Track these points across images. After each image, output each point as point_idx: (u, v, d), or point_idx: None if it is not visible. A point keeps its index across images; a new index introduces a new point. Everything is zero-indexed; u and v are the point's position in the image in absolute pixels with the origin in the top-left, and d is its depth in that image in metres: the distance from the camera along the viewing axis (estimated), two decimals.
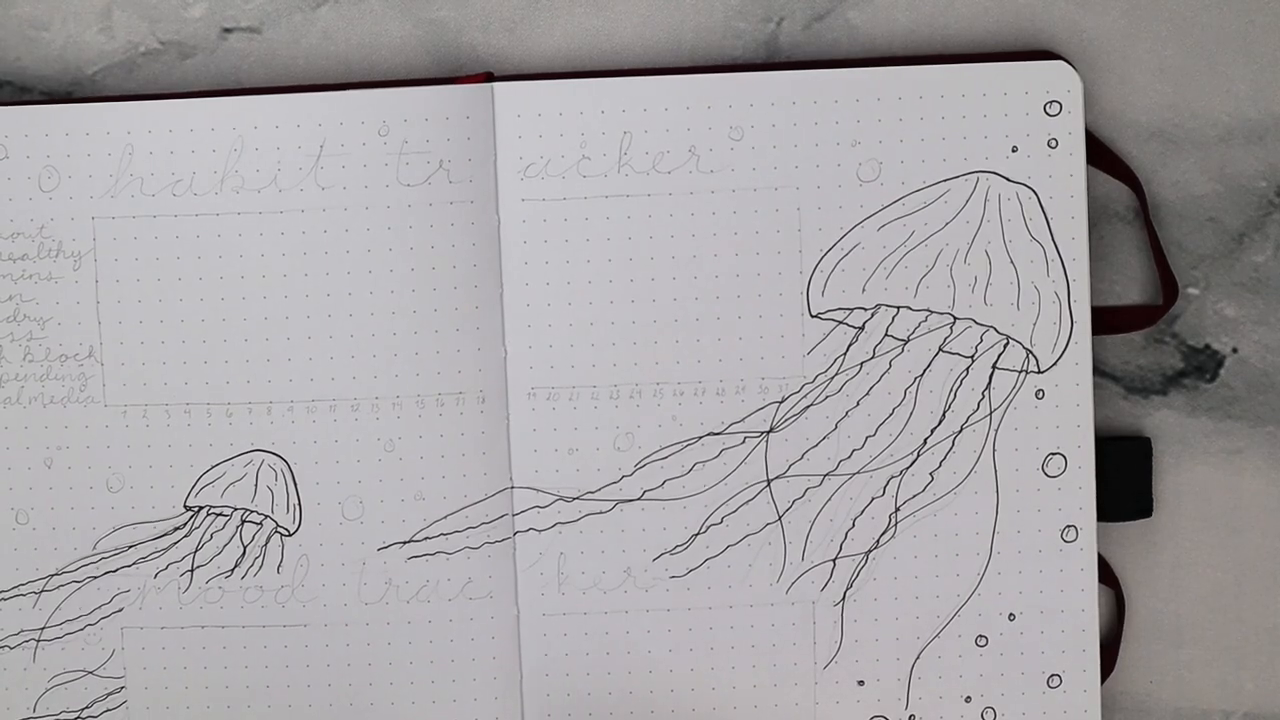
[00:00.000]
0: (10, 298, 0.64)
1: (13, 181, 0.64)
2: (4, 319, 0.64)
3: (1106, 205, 0.65)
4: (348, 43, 0.65)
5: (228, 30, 0.65)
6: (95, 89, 0.65)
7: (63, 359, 0.64)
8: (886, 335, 0.64)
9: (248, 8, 0.65)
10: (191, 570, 0.65)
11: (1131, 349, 0.66)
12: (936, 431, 0.64)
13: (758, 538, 0.65)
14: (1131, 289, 0.66)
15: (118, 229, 0.64)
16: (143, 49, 0.65)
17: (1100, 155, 0.64)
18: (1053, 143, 0.63)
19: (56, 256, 0.64)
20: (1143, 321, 0.65)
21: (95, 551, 0.65)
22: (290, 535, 0.65)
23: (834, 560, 0.65)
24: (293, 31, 0.65)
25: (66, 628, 0.65)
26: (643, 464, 0.64)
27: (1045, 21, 0.65)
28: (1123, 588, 0.66)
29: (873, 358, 0.64)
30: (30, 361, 0.64)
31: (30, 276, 0.64)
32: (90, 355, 0.64)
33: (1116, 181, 0.65)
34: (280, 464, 0.64)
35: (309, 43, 0.65)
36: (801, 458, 0.64)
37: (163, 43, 0.65)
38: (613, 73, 0.64)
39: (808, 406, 0.64)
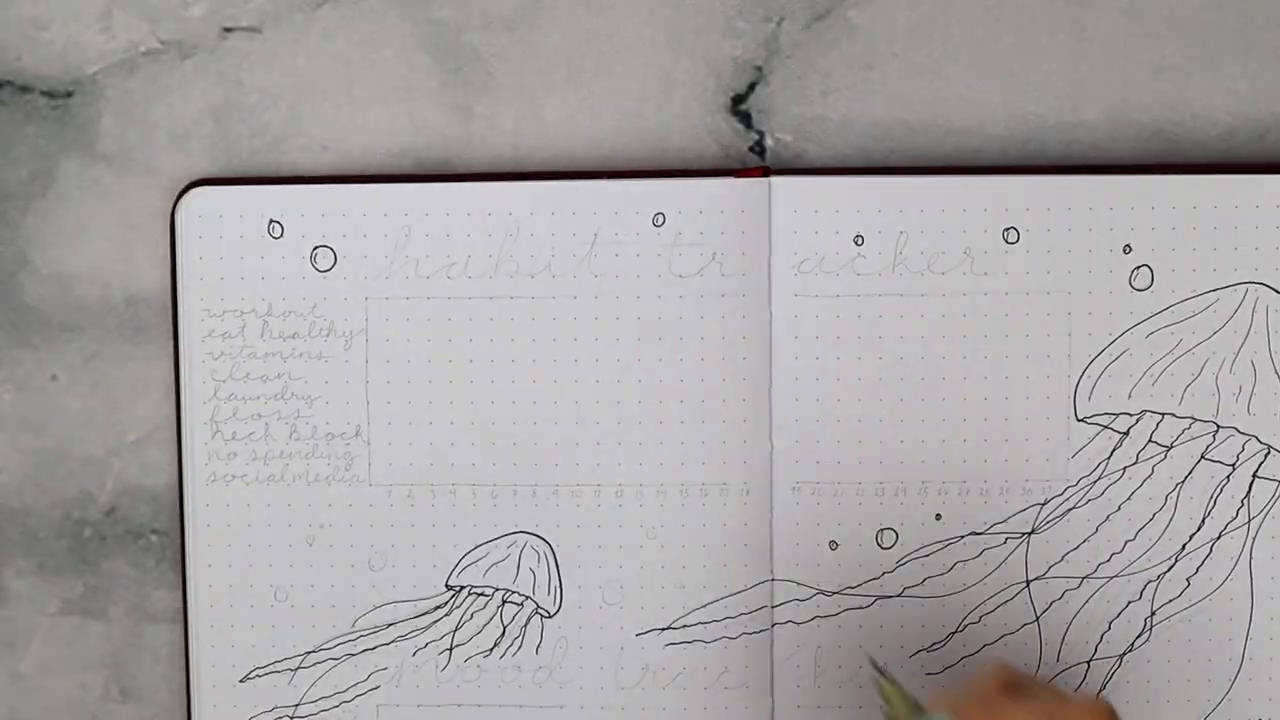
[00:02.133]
0: (279, 375, 0.64)
1: (287, 260, 0.64)
2: (272, 396, 0.64)
3: None
4: (348, 42, 0.65)
5: (228, 30, 0.65)
6: (96, 89, 0.65)
7: (329, 438, 0.65)
8: (1150, 441, 0.65)
9: (248, 7, 0.65)
10: (450, 649, 0.65)
11: None
12: (1195, 537, 0.65)
13: (1014, 638, 0.65)
14: None
15: (391, 309, 0.64)
16: (143, 49, 0.65)
17: None
18: None
19: (328, 335, 0.64)
20: None
21: (354, 630, 0.65)
22: (550, 617, 0.65)
23: (1088, 663, 0.65)
24: (293, 31, 0.65)
25: (322, 704, 0.66)
26: (904, 561, 0.65)
27: None
28: None
29: (1136, 463, 0.65)
30: (296, 439, 0.65)
31: (300, 355, 0.64)
32: (357, 435, 0.64)
33: None
34: (543, 546, 0.65)
35: (309, 42, 0.65)
36: (1061, 559, 0.65)
37: (163, 42, 0.65)
38: (890, 170, 0.64)
39: (1070, 509, 0.65)
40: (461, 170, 0.65)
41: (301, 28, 0.65)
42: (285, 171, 0.65)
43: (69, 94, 0.65)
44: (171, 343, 0.65)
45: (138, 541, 0.67)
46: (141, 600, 0.67)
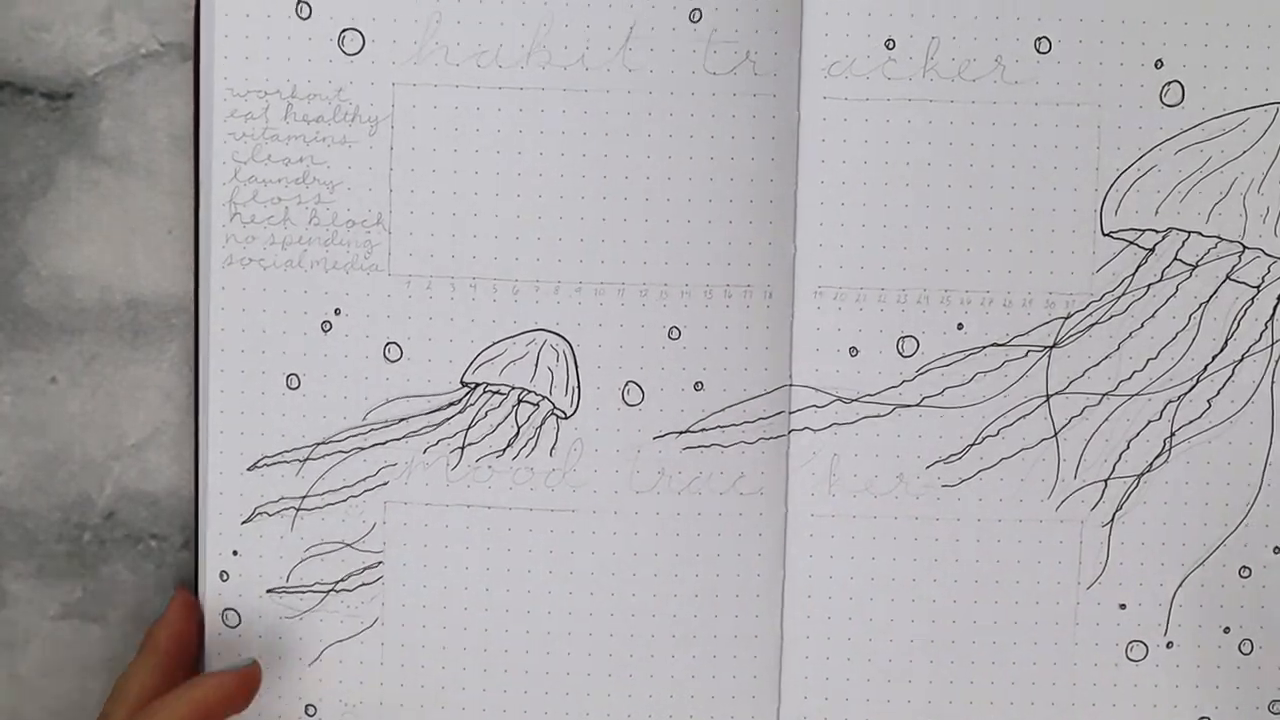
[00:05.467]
0: (301, 159, 0.64)
1: (313, 42, 0.63)
2: (293, 180, 0.64)
3: None
4: None
5: None
6: (96, 90, 0.65)
7: (350, 225, 0.64)
8: (1175, 259, 0.64)
9: None
10: (462, 448, 0.64)
11: None
12: (1218, 359, 0.65)
13: (1032, 453, 0.65)
14: None
15: (418, 97, 0.63)
16: (143, 50, 0.65)
17: None
18: None
19: (353, 121, 0.64)
20: None
21: (365, 423, 0.64)
22: (567, 418, 0.64)
23: (1106, 481, 0.65)
24: None
25: (329, 498, 0.64)
26: (925, 370, 0.64)
27: None
28: None
29: (1160, 280, 0.64)
30: (316, 225, 0.64)
31: (324, 139, 0.64)
32: (379, 222, 0.64)
33: None
34: (563, 345, 0.64)
35: None
36: (1082, 375, 0.64)
37: (163, 44, 0.65)
38: None
39: (1093, 324, 0.64)
40: None
41: None
42: None
43: (69, 95, 0.65)
44: (192, 131, 0.64)
45: (137, 546, 0.66)
46: (141, 605, 0.67)
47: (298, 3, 0.63)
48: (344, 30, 0.63)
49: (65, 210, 0.65)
